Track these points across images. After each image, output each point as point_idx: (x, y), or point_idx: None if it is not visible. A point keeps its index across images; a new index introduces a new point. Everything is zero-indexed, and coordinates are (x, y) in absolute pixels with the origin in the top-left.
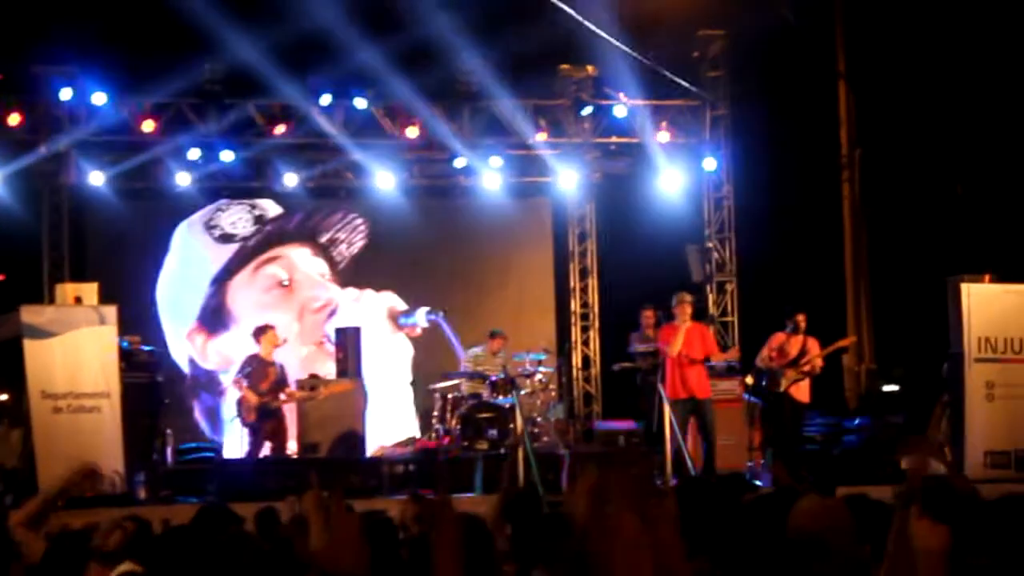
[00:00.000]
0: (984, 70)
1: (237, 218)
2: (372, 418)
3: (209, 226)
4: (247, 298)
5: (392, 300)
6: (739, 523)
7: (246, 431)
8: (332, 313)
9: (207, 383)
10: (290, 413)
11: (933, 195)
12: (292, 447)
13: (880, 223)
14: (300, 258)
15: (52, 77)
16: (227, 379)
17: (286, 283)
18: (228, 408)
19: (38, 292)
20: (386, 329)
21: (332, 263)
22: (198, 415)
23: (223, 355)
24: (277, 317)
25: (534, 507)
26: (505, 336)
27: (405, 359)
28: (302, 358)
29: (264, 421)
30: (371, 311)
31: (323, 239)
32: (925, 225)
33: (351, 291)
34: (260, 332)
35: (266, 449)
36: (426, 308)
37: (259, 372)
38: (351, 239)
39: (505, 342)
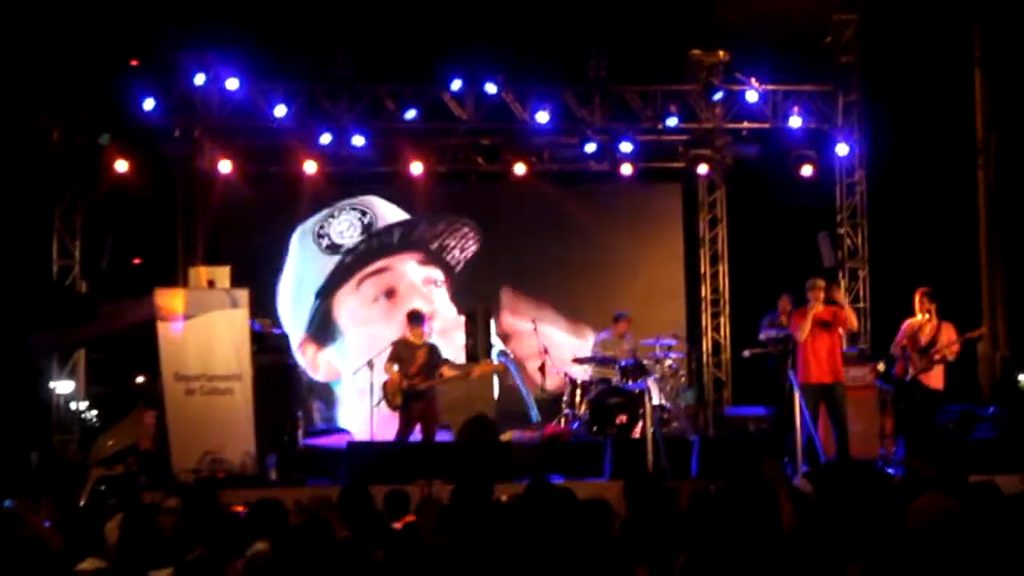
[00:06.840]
0: None
1: (346, 226)
2: None
3: (319, 235)
4: (351, 310)
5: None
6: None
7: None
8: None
9: (323, 391)
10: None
11: None
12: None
13: (1015, 209)
14: (408, 268)
15: (186, 63)
16: (340, 389)
17: (390, 295)
18: (343, 418)
19: (172, 275)
20: None
21: (446, 267)
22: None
23: (332, 367)
24: (381, 329)
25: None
26: (630, 318)
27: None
28: None
29: (412, 403)
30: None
31: (433, 246)
32: None
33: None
34: (407, 319)
35: (416, 432)
36: (498, 348)
37: (407, 355)
38: (463, 244)
39: (630, 324)
